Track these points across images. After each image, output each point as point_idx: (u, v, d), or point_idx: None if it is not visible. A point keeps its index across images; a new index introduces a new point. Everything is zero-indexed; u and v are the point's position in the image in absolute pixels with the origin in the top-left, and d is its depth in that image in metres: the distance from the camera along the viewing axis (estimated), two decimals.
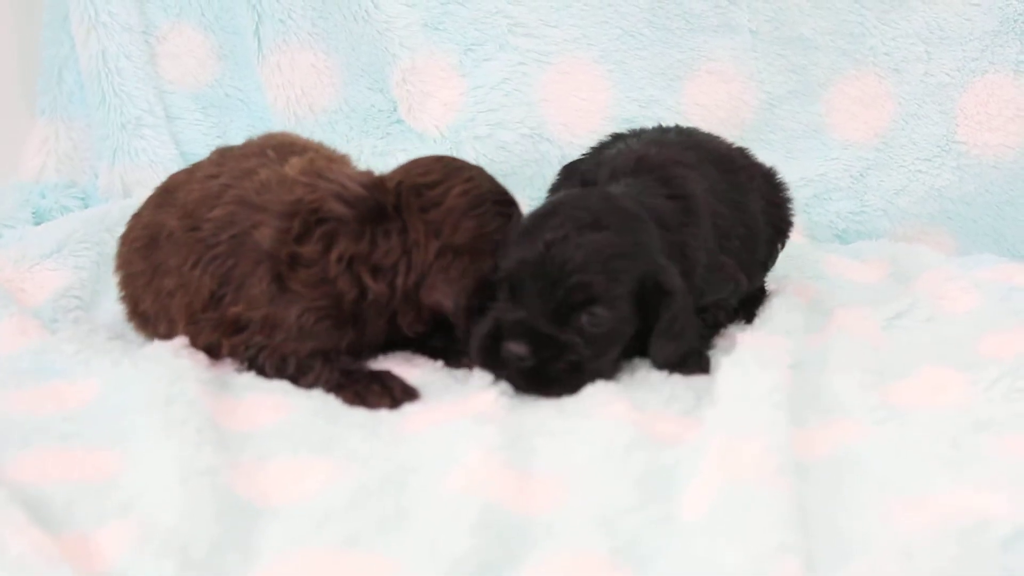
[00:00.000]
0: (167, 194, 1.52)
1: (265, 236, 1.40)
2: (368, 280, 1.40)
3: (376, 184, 1.45)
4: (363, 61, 2.23)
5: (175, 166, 2.18)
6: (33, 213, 2.11)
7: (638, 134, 1.77)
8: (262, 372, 1.41)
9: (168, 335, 1.46)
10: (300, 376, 1.40)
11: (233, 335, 1.42)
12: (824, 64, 2.27)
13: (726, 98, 2.26)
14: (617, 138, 1.79)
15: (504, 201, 1.47)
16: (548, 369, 1.35)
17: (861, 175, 2.27)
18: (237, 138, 2.22)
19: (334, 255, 1.39)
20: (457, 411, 1.29)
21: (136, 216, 1.56)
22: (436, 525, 1.04)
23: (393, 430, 1.26)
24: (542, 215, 1.43)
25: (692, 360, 1.46)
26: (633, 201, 1.47)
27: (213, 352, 1.44)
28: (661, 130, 1.78)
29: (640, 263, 1.40)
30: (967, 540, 0.99)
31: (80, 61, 2.22)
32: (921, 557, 0.97)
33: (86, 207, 2.18)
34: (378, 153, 2.20)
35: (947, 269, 1.89)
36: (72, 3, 2.19)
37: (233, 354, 1.43)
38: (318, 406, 1.33)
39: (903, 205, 2.25)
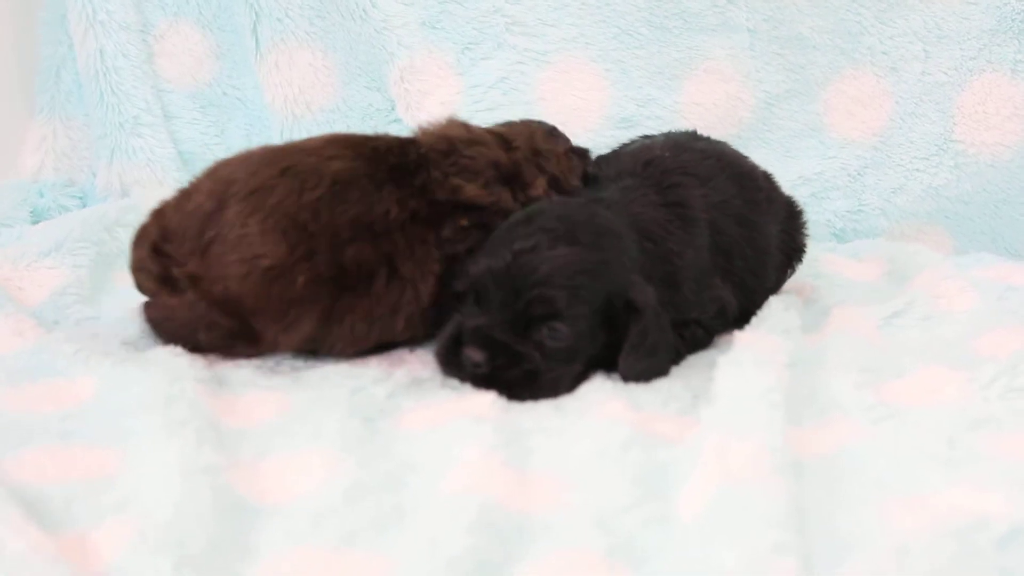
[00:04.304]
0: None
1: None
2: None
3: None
4: (361, 60, 2.24)
5: (173, 165, 2.19)
6: (31, 212, 2.11)
7: (667, 136, 1.74)
8: None
9: None
10: None
11: None
12: (822, 63, 2.27)
13: (724, 97, 2.26)
14: (645, 139, 1.77)
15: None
16: (503, 376, 1.35)
17: (859, 174, 2.27)
18: (235, 137, 2.23)
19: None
20: (454, 410, 1.29)
21: None
22: (434, 523, 1.04)
23: (391, 428, 1.26)
24: (516, 223, 1.42)
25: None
26: (617, 211, 1.47)
27: None
28: (692, 136, 1.76)
29: (606, 281, 1.39)
30: (963, 539, 0.99)
31: (78, 60, 2.22)
32: (917, 556, 0.97)
33: (84, 206, 2.19)
34: None
35: (944, 268, 1.88)
36: (70, 2, 2.19)
37: None
38: (316, 403, 1.32)
39: (901, 204, 2.25)
